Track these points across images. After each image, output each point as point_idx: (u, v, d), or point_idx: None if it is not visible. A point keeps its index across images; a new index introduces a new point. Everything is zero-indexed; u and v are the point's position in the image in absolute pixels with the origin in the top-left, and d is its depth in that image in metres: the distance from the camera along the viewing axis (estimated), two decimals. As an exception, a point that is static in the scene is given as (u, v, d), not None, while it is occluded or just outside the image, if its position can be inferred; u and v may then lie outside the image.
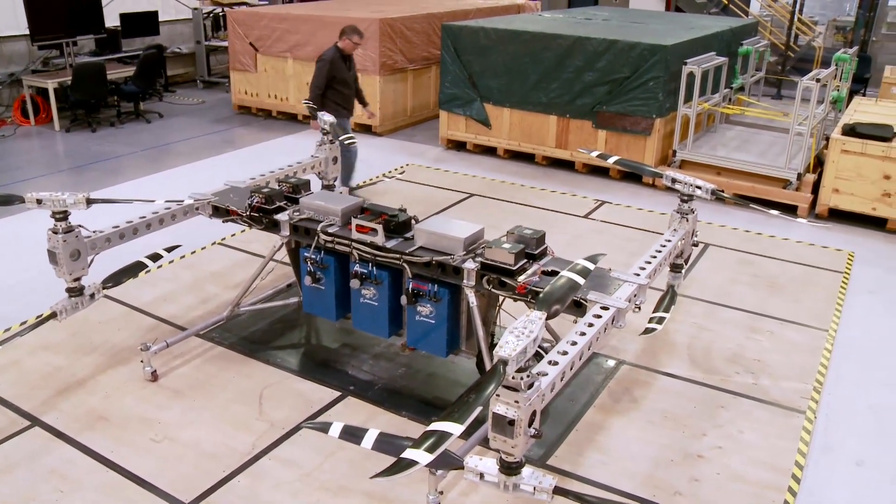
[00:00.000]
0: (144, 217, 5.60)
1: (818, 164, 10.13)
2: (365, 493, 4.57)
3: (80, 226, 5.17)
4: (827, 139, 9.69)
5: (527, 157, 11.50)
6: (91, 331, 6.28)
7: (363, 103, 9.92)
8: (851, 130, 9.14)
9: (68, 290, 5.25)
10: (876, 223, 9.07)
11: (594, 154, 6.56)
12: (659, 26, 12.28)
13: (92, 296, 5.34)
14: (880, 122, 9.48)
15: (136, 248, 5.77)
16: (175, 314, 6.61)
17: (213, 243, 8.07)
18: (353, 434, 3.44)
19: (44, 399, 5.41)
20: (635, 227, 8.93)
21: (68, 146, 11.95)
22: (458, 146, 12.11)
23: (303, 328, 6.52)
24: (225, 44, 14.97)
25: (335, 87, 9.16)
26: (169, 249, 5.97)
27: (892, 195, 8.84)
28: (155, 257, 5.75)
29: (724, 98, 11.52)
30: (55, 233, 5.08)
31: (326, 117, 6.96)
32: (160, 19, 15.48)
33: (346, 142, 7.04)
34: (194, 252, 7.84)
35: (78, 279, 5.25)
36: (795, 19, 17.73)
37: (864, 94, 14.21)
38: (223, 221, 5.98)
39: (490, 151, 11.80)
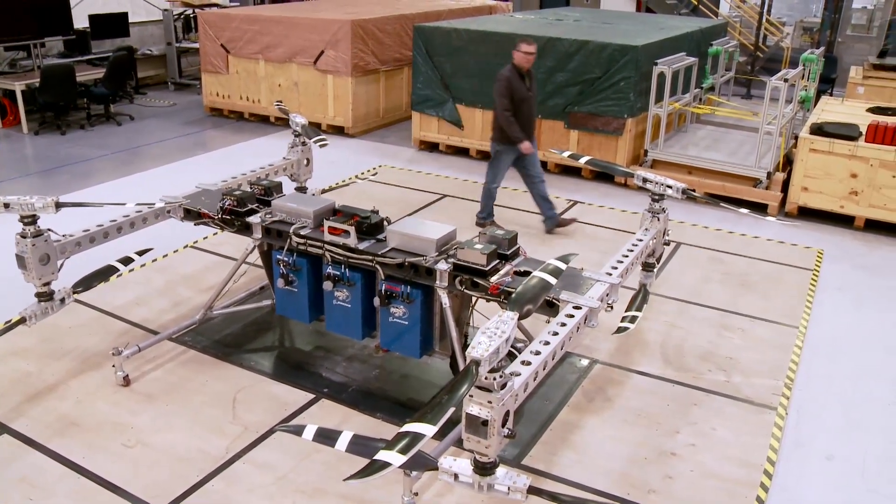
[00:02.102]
0: (115, 221, 5.56)
1: (787, 162, 10.26)
2: (340, 495, 4.56)
3: (49, 230, 5.12)
4: (796, 138, 9.82)
5: (500, 158, 11.50)
6: (62, 336, 6.21)
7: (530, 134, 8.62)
8: (819, 130, 9.26)
9: (38, 294, 5.19)
10: (843, 221, 9.19)
11: (566, 154, 6.59)
12: (629, 27, 12.36)
13: (62, 300, 5.29)
14: (847, 121, 9.61)
15: (107, 251, 5.71)
16: (147, 318, 6.55)
17: (186, 246, 8.01)
18: (327, 436, 3.43)
19: (13, 405, 5.34)
20: (607, 227, 8.99)
21: (37, 149, 11.81)
22: (431, 147, 12.12)
23: (276, 331, 6.49)
24: (196, 45, 14.87)
25: (512, 108, 8.08)
26: (140, 253, 5.92)
27: (859, 193, 8.96)
28: (126, 261, 5.70)
29: (694, 98, 11.63)
30: (23, 237, 5.02)
31: (298, 119, 6.94)
32: (130, 21, 15.36)
33: (318, 144, 7.01)
34: (166, 255, 7.78)
35: (48, 284, 5.19)
36: (764, 20, 17.94)
37: (831, 94, 14.40)
38: (195, 224, 5.94)
39: (463, 152, 11.82)
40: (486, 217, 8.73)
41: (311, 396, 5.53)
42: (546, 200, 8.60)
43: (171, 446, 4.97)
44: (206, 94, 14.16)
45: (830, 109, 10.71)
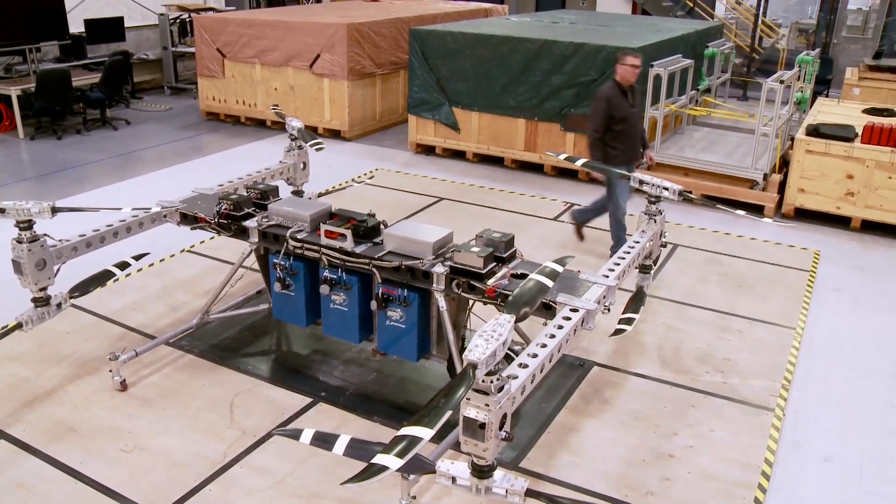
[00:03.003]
0: (111, 225, 5.55)
1: (784, 164, 10.26)
2: (338, 499, 4.56)
3: (45, 235, 5.11)
4: (792, 140, 9.82)
5: (496, 161, 11.53)
6: (58, 341, 6.20)
7: (643, 144, 8.07)
8: (815, 131, 9.27)
9: (34, 300, 5.18)
10: (840, 222, 9.20)
11: (562, 157, 6.59)
12: (625, 29, 12.38)
13: (58, 305, 5.28)
14: (843, 122, 9.63)
15: (103, 256, 5.70)
16: (144, 323, 6.54)
17: (182, 251, 8.00)
18: (324, 440, 3.42)
19: (10, 411, 5.33)
20: (605, 230, 8.97)
21: (33, 154, 11.80)
22: (428, 150, 12.12)
23: (273, 335, 6.49)
24: (192, 50, 14.87)
25: (613, 127, 7.48)
26: (137, 257, 5.92)
27: (855, 194, 8.98)
28: (123, 266, 5.69)
29: (690, 100, 11.64)
30: (20, 242, 5.00)
31: (294, 122, 6.94)
32: (126, 25, 15.34)
33: (314, 147, 7.01)
34: (163, 260, 7.77)
35: (44, 289, 5.18)
36: (759, 22, 17.96)
37: (826, 95, 14.42)
38: (192, 229, 5.94)
39: (459, 155, 11.83)
40: (581, 221, 8.34)
41: (309, 400, 5.53)
42: (597, 213, 8.20)
43: (169, 451, 4.96)
44: (202, 98, 14.16)
45: (826, 111, 10.73)
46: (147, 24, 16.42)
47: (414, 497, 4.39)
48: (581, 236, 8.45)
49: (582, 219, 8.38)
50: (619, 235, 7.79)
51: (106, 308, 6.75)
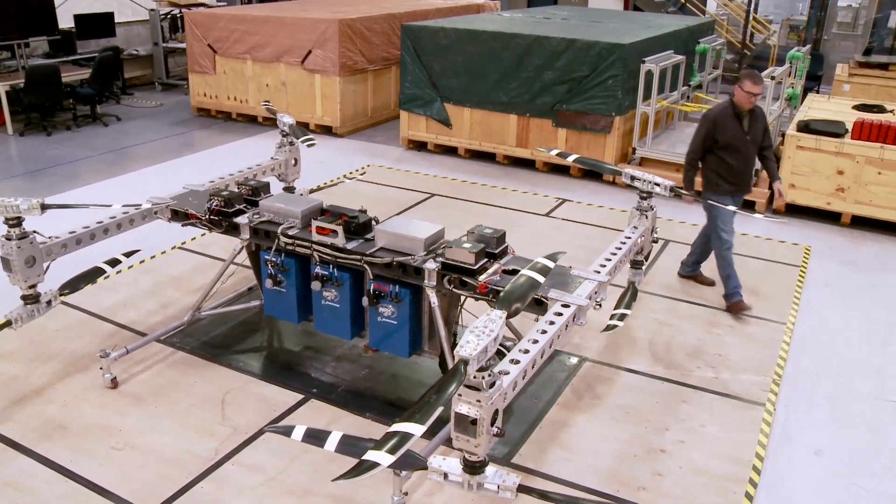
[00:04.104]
0: (102, 222, 5.53)
1: (775, 160, 10.27)
2: (330, 495, 4.55)
3: (34, 232, 5.09)
4: (783, 136, 9.85)
5: (488, 157, 11.53)
6: (48, 338, 6.18)
7: (772, 176, 7.08)
8: (806, 127, 9.29)
9: (24, 297, 5.16)
10: (831, 217, 9.23)
11: (554, 152, 6.59)
12: (617, 25, 12.39)
13: (49, 303, 5.26)
14: (833, 118, 9.65)
15: (93, 253, 5.68)
16: (135, 320, 6.52)
17: (173, 247, 7.98)
18: (316, 437, 3.42)
19: None
20: (596, 225, 9.00)
21: (22, 150, 11.74)
22: (419, 146, 12.11)
23: (265, 331, 6.47)
24: (183, 45, 14.82)
25: (717, 152, 6.74)
26: (128, 254, 5.89)
27: (846, 190, 9.00)
28: (113, 262, 5.67)
29: (682, 95, 11.66)
30: (9, 239, 4.98)
31: (286, 118, 6.92)
32: (116, 21, 15.29)
33: (306, 144, 7.00)
34: (154, 257, 7.75)
35: (33, 286, 5.16)
36: (751, 18, 18.00)
37: (817, 92, 14.46)
38: (182, 225, 5.92)
39: (451, 151, 11.82)
40: (732, 293, 6.95)
41: (301, 397, 5.52)
42: (705, 254, 7.38)
43: (160, 448, 4.95)
44: (193, 94, 14.11)
45: (817, 107, 10.75)
46: (137, 19, 16.35)
47: (406, 493, 4.39)
48: (706, 282, 7.45)
49: (691, 270, 7.53)
50: (727, 274, 6.93)
51: (96, 305, 6.73)
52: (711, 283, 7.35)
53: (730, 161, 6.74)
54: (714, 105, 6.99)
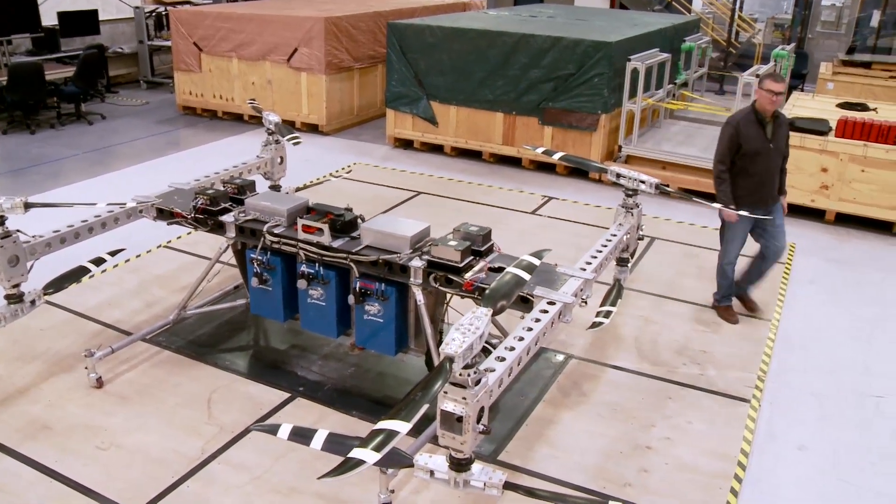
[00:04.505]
0: (86, 221, 5.50)
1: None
2: (316, 494, 4.55)
3: (18, 231, 5.05)
4: (767, 133, 9.87)
5: (474, 155, 11.54)
6: (33, 338, 6.14)
7: (781, 189, 6.62)
8: (790, 125, 9.31)
9: (7, 296, 5.13)
10: (815, 214, 9.28)
11: (539, 150, 6.60)
12: (603, 23, 12.41)
13: (32, 302, 5.22)
14: (817, 116, 9.70)
15: (78, 252, 5.65)
16: (120, 319, 6.49)
17: (159, 246, 7.95)
18: (302, 435, 3.42)
19: (-16, 409, 5.28)
20: (582, 223, 9.02)
21: (5, 149, 11.65)
22: (406, 144, 12.11)
23: (251, 330, 6.46)
24: (168, 43, 14.73)
25: (737, 161, 6.33)
26: (113, 253, 5.87)
27: (830, 187, 9.06)
28: (98, 261, 5.65)
29: (668, 94, 11.70)
30: (-8, 238, 4.95)
31: (272, 117, 6.90)
32: (101, 18, 15.17)
33: (292, 142, 6.98)
34: (139, 255, 7.71)
35: (17, 286, 5.12)
36: (736, 16, 18.07)
37: (801, 90, 14.54)
38: (168, 224, 5.90)
39: (437, 149, 11.82)
40: (721, 300, 6.88)
41: (287, 395, 5.51)
42: (759, 277, 6.86)
43: (146, 448, 4.93)
44: (178, 92, 14.05)
45: (801, 105, 10.81)
46: (122, 17, 16.23)
47: (392, 491, 4.39)
48: (751, 306, 6.99)
49: (722, 298, 6.93)
50: (720, 283, 6.83)
51: (81, 304, 6.69)
52: (753, 309, 6.91)
53: (751, 171, 6.30)
54: (737, 113, 6.51)
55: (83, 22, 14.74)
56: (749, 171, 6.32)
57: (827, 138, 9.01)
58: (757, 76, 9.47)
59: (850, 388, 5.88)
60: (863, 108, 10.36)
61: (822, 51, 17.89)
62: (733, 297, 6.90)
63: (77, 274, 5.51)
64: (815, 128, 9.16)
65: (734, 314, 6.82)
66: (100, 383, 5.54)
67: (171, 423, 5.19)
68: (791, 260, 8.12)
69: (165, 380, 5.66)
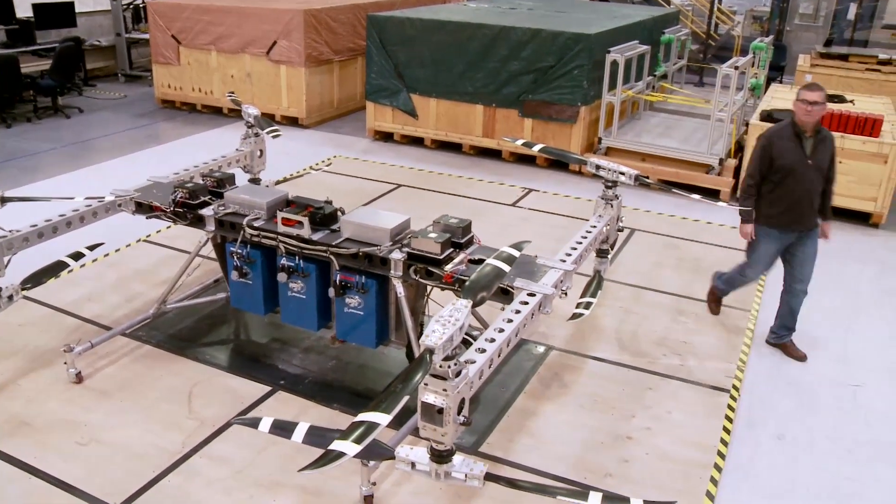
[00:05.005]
0: (64, 215, 5.45)
1: (739, 149, 10.40)
2: (298, 487, 4.55)
3: (-6, 225, 5.01)
4: (747, 125, 9.96)
5: (454, 147, 11.54)
6: (10, 334, 6.09)
7: (822, 212, 6.02)
8: (769, 116, 9.41)
9: (-16, 292, 5.08)
10: (793, 205, 9.33)
11: (519, 142, 6.61)
12: (583, 15, 12.43)
13: (10, 297, 5.17)
14: (796, 107, 9.76)
15: (56, 247, 5.59)
16: (100, 314, 6.45)
17: (138, 240, 7.90)
18: (283, 428, 3.42)
19: (-39, 405, 5.24)
20: (562, 215, 9.05)
21: (-19, 143, 11.54)
22: (386, 137, 12.09)
23: (231, 324, 6.44)
24: (146, 36, 14.61)
25: (770, 177, 5.85)
26: (91, 248, 5.83)
27: (808, 178, 9.11)
28: (77, 256, 5.60)
29: (647, 86, 11.74)
30: (-32, 233, 4.91)
31: (251, 110, 6.87)
32: (77, 10, 14.99)
33: (271, 135, 6.95)
34: (118, 250, 7.66)
35: (-6, 281, 5.08)
36: (715, 9, 18.16)
37: (780, 82, 14.62)
38: (147, 218, 5.87)
39: (417, 142, 11.81)
40: (718, 288, 6.68)
41: (268, 389, 5.50)
42: (791, 315, 6.22)
43: (127, 443, 4.90)
44: (157, 85, 13.94)
45: (780, 96, 10.89)
46: (99, 9, 16.07)
47: (374, 483, 4.40)
48: (797, 355, 6.21)
49: (778, 338, 6.35)
50: (724, 288, 6.63)
51: (60, 299, 6.64)
52: (802, 358, 6.17)
53: (784, 188, 5.80)
54: (774, 126, 6.04)
55: (59, 14, 14.56)
56: (782, 189, 5.82)
57: (804, 130, 9.06)
58: (736, 68, 9.53)
59: (828, 377, 5.94)
60: (840, 99, 10.45)
61: (800, 43, 18.03)
62: (725, 294, 6.69)
63: (55, 269, 5.46)
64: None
65: (716, 307, 6.79)
66: (79, 378, 5.51)
67: (151, 417, 5.16)
68: (769, 250, 8.17)
69: (146, 374, 5.63)
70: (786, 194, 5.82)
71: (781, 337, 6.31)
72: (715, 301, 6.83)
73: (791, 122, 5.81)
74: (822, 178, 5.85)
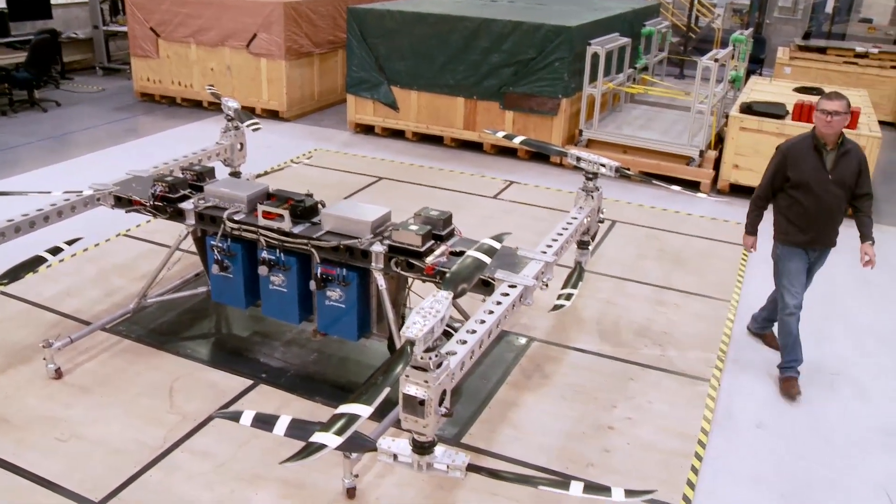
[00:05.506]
0: (42, 210, 5.40)
1: (719, 141, 10.47)
2: (280, 480, 4.54)
3: (-30, 220, 4.96)
4: (727, 117, 10.02)
5: (435, 140, 11.53)
6: (-12, 329, 6.04)
7: (862, 234, 5.61)
8: (748, 109, 9.47)
9: (-39, 287, 5.03)
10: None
11: (500, 134, 6.62)
12: (563, 8, 12.44)
13: (-13, 292, 5.14)
14: (775, 100, 9.84)
15: (34, 241, 5.54)
16: (79, 309, 6.40)
17: (117, 235, 7.84)
18: (265, 422, 3.41)
19: (-61, 402, 5.19)
20: (544, 206, 9.07)
21: (-43, 138, 11.41)
22: (367, 130, 12.05)
23: (212, 318, 6.41)
24: (124, 29, 14.48)
25: (789, 192, 5.55)
26: (70, 242, 5.76)
27: (787, 169, 9.18)
28: (55, 251, 5.54)
29: (628, 78, 11.78)
30: (-56, 228, 4.85)
31: (231, 103, 6.83)
32: (53, 2, 14.83)
33: (251, 128, 6.92)
34: (97, 244, 7.60)
35: (-29, 276, 5.04)
36: (695, 1, 18.23)
37: (760, 74, 14.73)
38: (126, 212, 5.82)
39: (398, 134, 11.79)
40: (787, 366, 5.74)
41: (250, 382, 5.48)
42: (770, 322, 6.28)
43: (107, 438, 4.87)
44: (136, 79, 13.82)
45: (759, 89, 10.96)
46: (76, 1, 15.90)
47: (357, 475, 4.40)
48: (776, 345, 6.04)
49: (760, 327, 6.41)
50: (786, 343, 5.73)
51: (38, 295, 6.58)
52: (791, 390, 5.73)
53: (803, 204, 5.48)
54: (793, 138, 5.68)
55: (33, 6, 14.37)
56: (801, 205, 5.50)
57: (784, 122, 9.15)
58: (716, 60, 9.57)
59: (806, 366, 5.98)
60: (818, 92, 10.51)
61: (779, 36, 18.14)
62: (800, 363, 5.75)
63: (33, 263, 5.40)
64: (773, 111, 9.30)
65: (796, 387, 5.65)
66: (59, 374, 5.46)
67: (132, 412, 5.13)
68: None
69: (126, 369, 5.60)
70: (804, 211, 5.50)
71: (764, 328, 6.36)
72: (787, 383, 5.70)
73: (811, 135, 5.45)
74: (845, 193, 5.48)
